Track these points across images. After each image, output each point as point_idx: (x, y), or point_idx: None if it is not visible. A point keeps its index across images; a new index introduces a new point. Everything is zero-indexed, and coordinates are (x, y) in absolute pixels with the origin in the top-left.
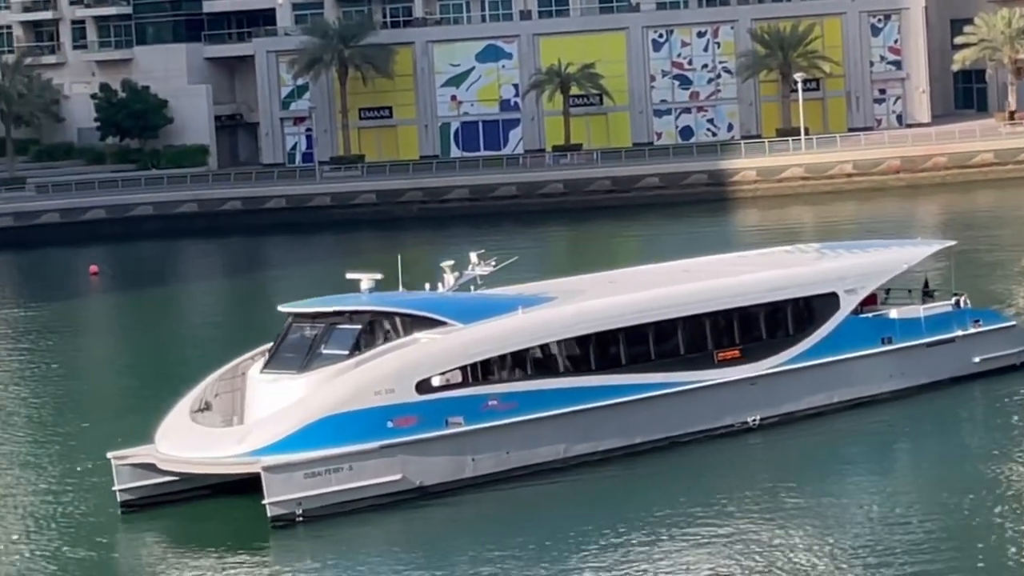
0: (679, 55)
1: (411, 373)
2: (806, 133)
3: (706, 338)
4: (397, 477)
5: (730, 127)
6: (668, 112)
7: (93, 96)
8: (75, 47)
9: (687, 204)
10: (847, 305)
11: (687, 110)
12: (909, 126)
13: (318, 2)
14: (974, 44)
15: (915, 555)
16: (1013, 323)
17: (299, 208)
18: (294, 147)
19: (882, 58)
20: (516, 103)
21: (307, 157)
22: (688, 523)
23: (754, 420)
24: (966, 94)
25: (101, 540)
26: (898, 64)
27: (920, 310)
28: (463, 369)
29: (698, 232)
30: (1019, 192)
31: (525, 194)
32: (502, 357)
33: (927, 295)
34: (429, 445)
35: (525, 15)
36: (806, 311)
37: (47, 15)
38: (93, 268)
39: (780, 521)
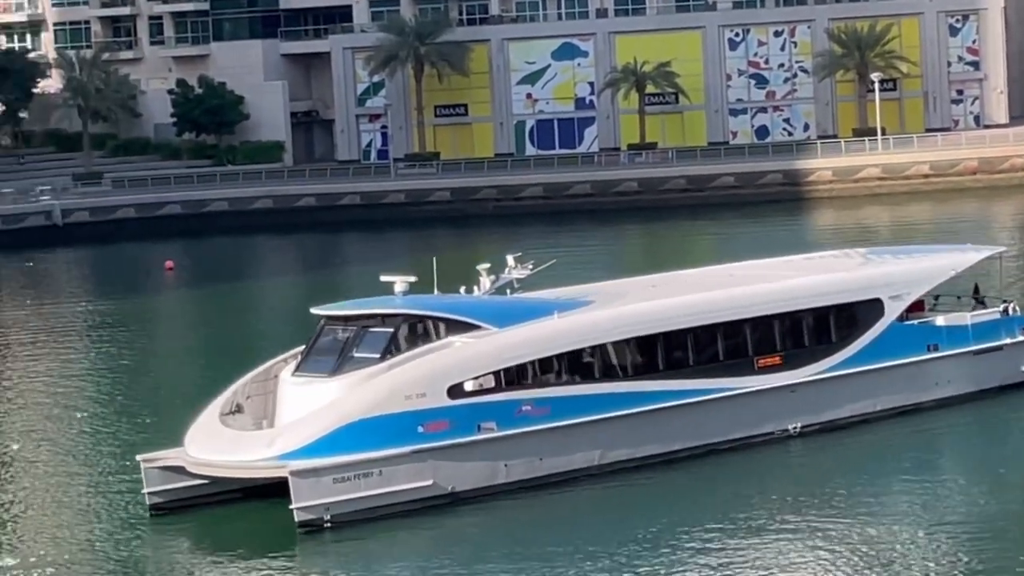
0: (755, 54)
1: (443, 377)
2: (882, 133)
3: (746, 344)
4: (428, 483)
5: (806, 127)
6: (744, 111)
7: (170, 92)
8: (152, 43)
9: (762, 204)
10: (892, 312)
11: (763, 109)
12: (986, 127)
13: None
14: None
15: (962, 566)
16: None
17: (373, 205)
18: (369, 144)
19: (960, 58)
20: (591, 101)
21: (382, 154)
22: (726, 532)
23: (795, 428)
24: None
25: (129, 543)
26: (976, 65)
27: (967, 317)
28: (496, 374)
29: (772, 232)
30: None
31: (599, 192)
32: (536, 362)
33: (978, 301)
34: (461, 450)
35: (601, 13)
36: (850, 317)
37: (125, 11)
38: (168, 263)
39: (822, 531)
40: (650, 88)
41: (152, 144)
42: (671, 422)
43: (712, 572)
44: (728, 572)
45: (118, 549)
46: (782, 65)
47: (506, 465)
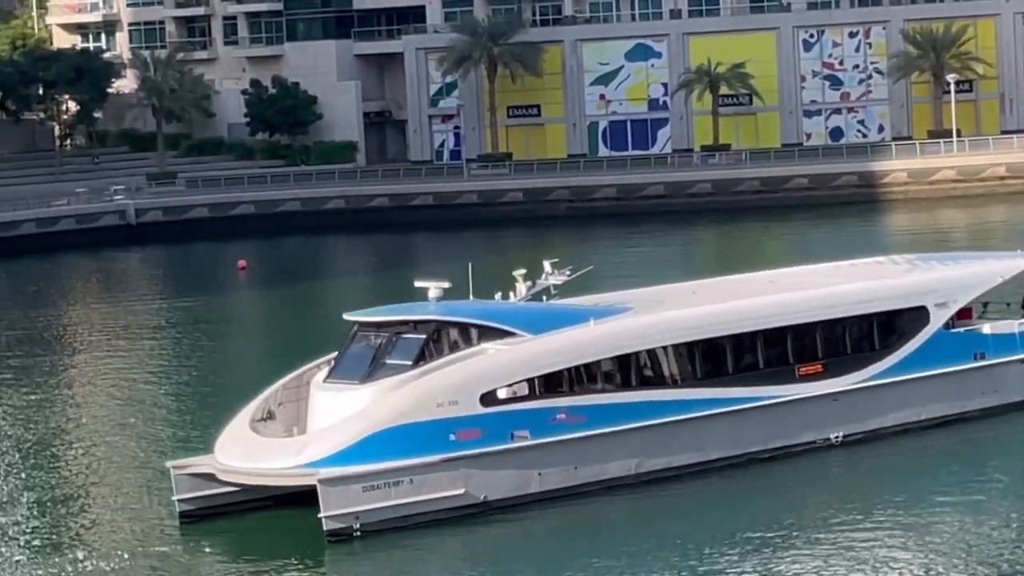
0: (830, 55)
1: (476, 385)
2: (958, 135)
3: (787, 352)
4: (460, 491)
5: (881, 128)
6: (818, 113)
7: (243, 92)
8: (226, 43)
9: (836, 206)
10: (937, 319)
11: (837, 111)
12: None
13: (468, 0)
14: None
15: None
16: None
17: (446, 206)
18: (442, 144)
19: None
20: (665, 102)
21: (455, 155)
22: (765, 544)
23: (837, 437)
24: None
25: (156, 551)
26: None
27: (1015, 325)
28: (530, 381)
29: (846, 234)
30: None
31: (673, 194)
32: (571, 369)
33: None
34: (493, 459)
35: (675, 14)
36: (893, 325)
37: (199, 11)
38: (241, 263)
39: (864, 544)
40: (724, 89)
41: (226, 144)
42: (709, 431)
43: None
44: None
45: (146, 557)
46: (857, 66)
47: (540, 474)
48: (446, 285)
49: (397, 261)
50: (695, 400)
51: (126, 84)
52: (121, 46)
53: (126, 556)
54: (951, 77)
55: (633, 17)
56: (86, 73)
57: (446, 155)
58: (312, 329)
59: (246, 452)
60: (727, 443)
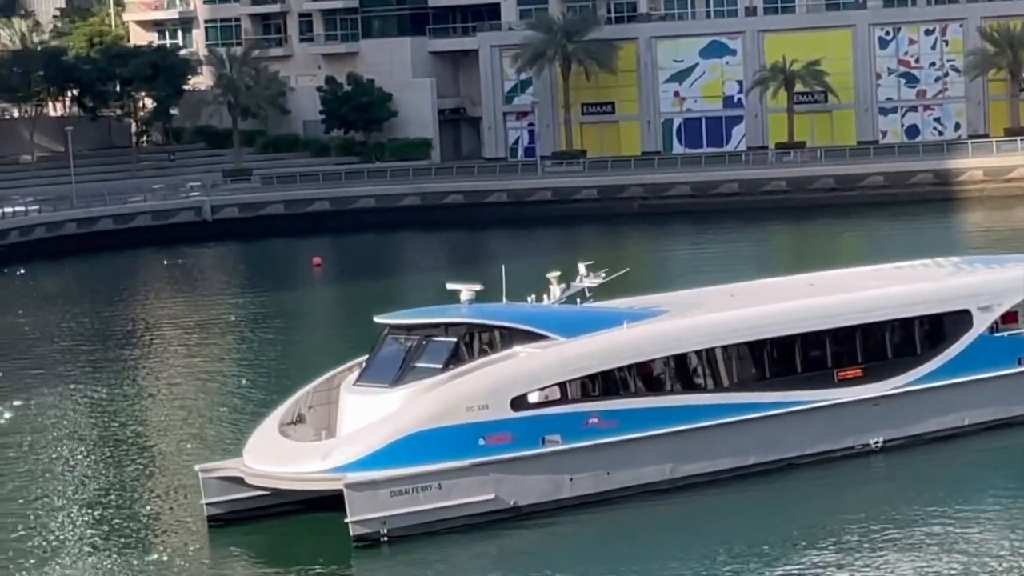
0: (906, 53)
1: (506, 389)
2: None
3: (825, 356)
4: (489, 496)
5: (957, 126)
6: (894, 110)
7: (319, 89)
8: (302, 40)
9: (912, 204)
10: (981, 323)
11: (913, 108)
12: None
13: None
14: None
15: None
16: None
17: (520, 203)
18: (516, 141)
19: None
20: (739, 100)
21: (529, 152)
22: (802, 551)
23: (877, 442)
24: None
25: (183, 555)
26: None
27: None
28: (562, 385)
29: (921, 232)
30: None
31: (747, 191)
32: (604, 373)
33: None
34: (524, 464)
35: (750, 11)
36: (935, 329)
37: (275, 8)
38: (316, 259)
39: (904, 552)
40: (799, 87)
41: (301, 141)
42: (745, 436)
43: None
44: None
45: (173, 561)
46: (933, 64)
47: (571, 479)
48: (478, 287)
49: (470, 258)
50: (731, 404)
51: (202, 81)
52: (197, 43)
53: (151, 561)
54: None
55: (708, 14)
56: (163, 70)
57: (520, 152)
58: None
59: (274, 456)
60: (764, 448)
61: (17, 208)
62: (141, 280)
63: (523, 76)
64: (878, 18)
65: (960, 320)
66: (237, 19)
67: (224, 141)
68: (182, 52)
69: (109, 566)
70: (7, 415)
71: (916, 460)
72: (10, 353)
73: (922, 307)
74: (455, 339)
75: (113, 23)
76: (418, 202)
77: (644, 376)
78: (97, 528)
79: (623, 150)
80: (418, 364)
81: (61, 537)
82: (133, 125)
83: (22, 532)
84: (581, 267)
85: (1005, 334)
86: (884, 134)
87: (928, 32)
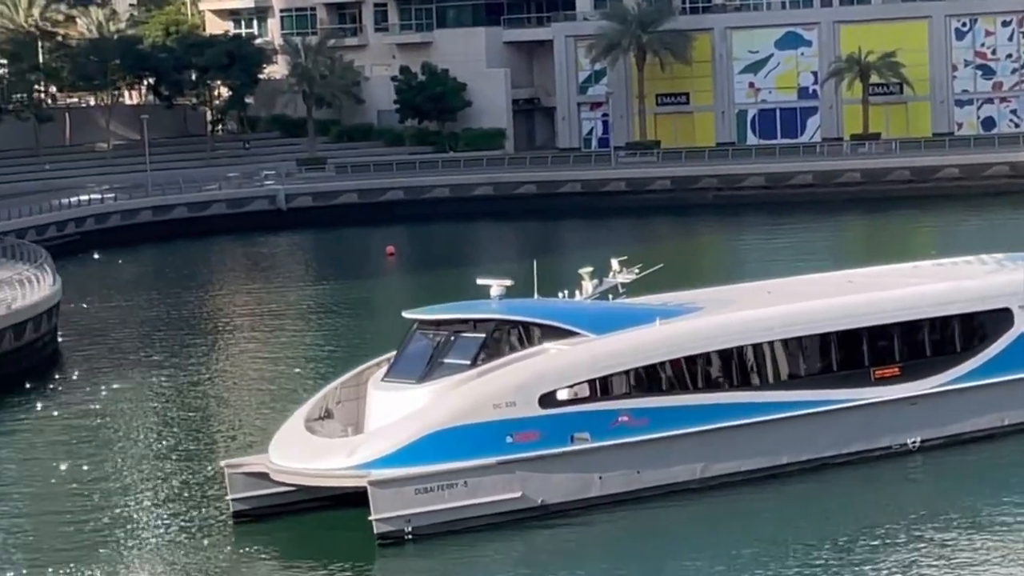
0: (982, 44)
1: (534, 386)
2: None
3: (862, 354)
4: (516, 495)
5: None
6: (970, 102)
7: (393, 78)
8: (376, 30)
9: (987, 196)
10: (1022, 321)
11: (989, 100)
12: None
13: None
14: None
15: None
16: None
17: (594, 193)
18: (590, 132)
19: None
20: (814, 91)
21: (603, 142)
22: (836, 552)
23: (914, 442)
24: None
25: (207, 551)
26: None
27: None
28: (591, 383)
29: (996, 225)
30: None
31: (821, 183)
32: (635, 371)
33: None
34: (552, 462)
35: (826, 2)
36: (975, 327)
37: None
38: (390, 249)
39: (939, 552)
40: (874, 78)
41: (375, 130)
42: (779, 435)
43: None
44: None
45: (196, 557)
46: (1010, 56)
47: (600, 478)
48: (508, 283)
49: (543, 249)
50: (764, 403)
51: (277, 70)
52: (273, 32)
53: (174, 558)
54: None
55: (783, 5)
56: (238, 59)
57: (594, 143)
58: None
59: (299, 452)
60: (798, 447)
61: (93, 196)
62: (214, 268)
63: (597, 66)
64: (954, 9)
65: (1000, 319)
66: (312, 8)
67: (299, 130)
68: (258, 41)
69: (135, 560)
70: (63, 400)
71: (954, 460)
72: (80, 340)
73: (961, 305)
74: (483, 335)
75: (189, 12)
76: (491, 192)
77: (676, 374)
78: (124, 520)
79: (697, 141)
80: (446, 360)
81: (87, 527)
82: (208, 114)
83: (48, 522)
84: (614, 263)
85: None
86: (960, 126)
87: (1005, 23)
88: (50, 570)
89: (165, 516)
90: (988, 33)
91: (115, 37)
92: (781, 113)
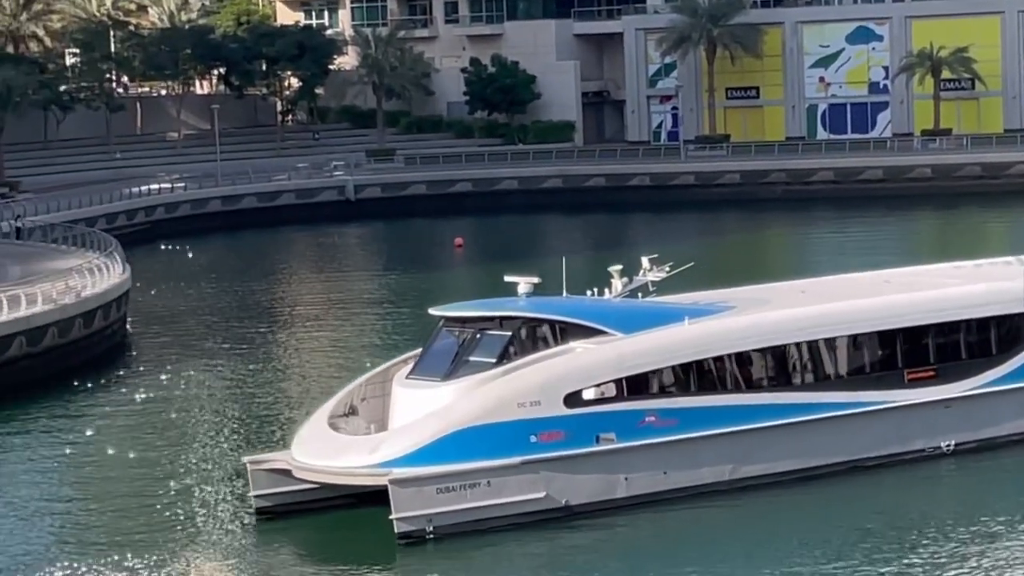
0: None
1: (560, 385)
2: None
3: (895, 356)
4: (540, 495)
5: None
6: None
7: (463, 70)
8: (447, 21)
9: None
10: None
11: None
12: None
13: None
14: None
15: None
16: None
17: (662, 187)
18: (660, 125)
19: None
20: (885, 86)
21: (672, 135)
22: (867, 556)
23: (948, 445)
24: None
25: (228, 548)
26: None
27: None
28: (618, 382)
29: None
30: None
31: (891, 178)
32: (663, 370)
33: None
34: (577, 462)
35: None
36: (1012, 329)
37: None
38: (458, 240)
39: (972, 557)
40: (946, 73)
41: (444, 122)
42: (809, 436)
43: None
44: None
45: (217, 554)
46: None
47: (626, 478)
48: (536, 280)
49: (612, 242)
50: (794, 404)
51: (347, 61)
52: (343, 23)
53: (195, 553)
54: None
55: (855, 0)
56: (308, 50)
57: (663, 136)
58: None
59: (321, 449)
60: (829, 450)
61: (163, 185)
62: (282, 258)
63: (667, 60)
64: None
65: None
66: (383, 0)
67: (368, 121)
68: (328, 32)
69: (158, 553)
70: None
71: (989, 464)
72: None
73: (998, 307)
74: (510, 333)
75: (260, 2)
76: (560, 184)
77: (704, 374)
78: (150, 513)
79: (767, 135)
80: (471, 358)
81: (111, 522)
82: (278, 104)
83: (73, 516)
84: (644, 261)
85: None
86: None
87: None
88: (67, 561)
89: (194, 508)
90: None
91: (187, 27)
92: (851, 108)
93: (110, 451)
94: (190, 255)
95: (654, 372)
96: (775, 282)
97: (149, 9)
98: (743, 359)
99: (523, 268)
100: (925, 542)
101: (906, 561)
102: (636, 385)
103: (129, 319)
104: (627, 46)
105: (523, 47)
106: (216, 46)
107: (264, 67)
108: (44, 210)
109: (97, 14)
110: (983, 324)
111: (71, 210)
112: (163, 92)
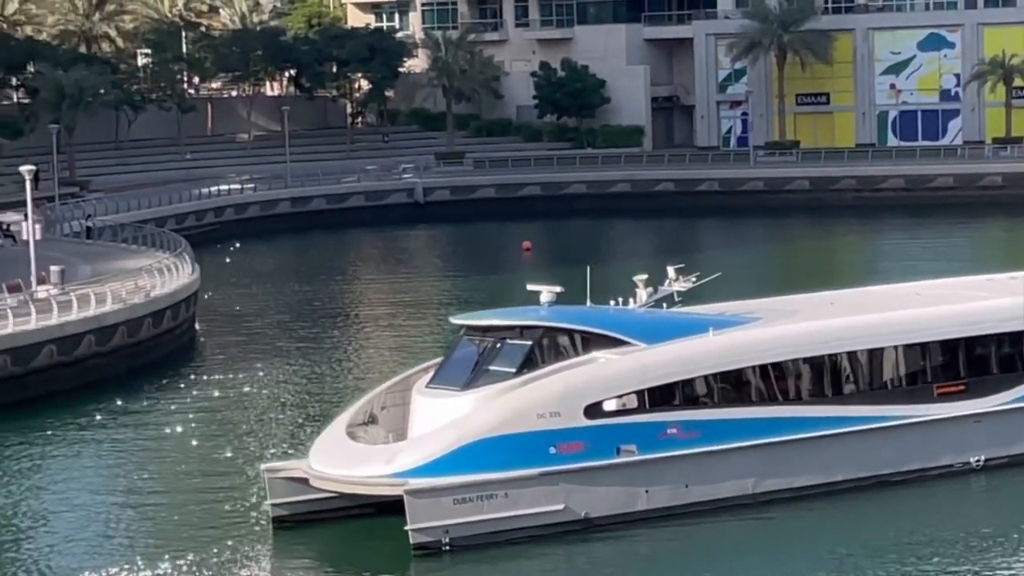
0: None
1: (580, 395)
2: None
3: (924, 369)
4: (559, 507)
5: None
6: None
7: (533, 74)
8: (517, 25)
9: None
10: None
11: None
12: None
13: None
14: None
15: None
16: None
17: (731, 192)
18: (729, 131)
19: None
20: (956, 93)
21: (742, 141)
22: (893, 574)
23: (977, 461)
24: None
25: (243, 558)
26: None
27: None
28: (640, 393)
29: None
30: None
31: (962, 186)
32: (685, 382)
33: None
34: (597, 474)
35: (970, 4)
36: None
37: None
38: (526, 244)
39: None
40: (1018, 81)
41: (513, 125)
42: (834, 450)
43: None
44: None
45: (230, 564)
46: None
47: (647, 491)
48: (558, 289)
49: (679, 247)
50: (819, 418)
51: (417, 64)
52: (414, 26)
53: (210, 564)
54: None
55: (927, 6)
56: (379, 52)
57: (733, 141)
58: None
59: (338, 458)
60: (854, 464)
61: (233, 186)
62: (350, 260)
63: (737, 65)
64: None
65: None
66: (454, 3)
67: (437, 124)
68: (399, 35)
69: (173, 561)
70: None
71: (1020, 480)
72: (217, 329)
73: None
74: (530, 342)
75: (331, 4)
76: (628, 189)
77: (728, 386)
78: (166, 520)
79: (837, 141)
80: (491, 367)
81: (129, 528)
82: (348, 106)
83: (89, 523)
84: (670, 270)
85: None
86: None
87: None
88: (90, 565)
89: (213, 514)
90: None
91: (258, 28)
92: (922, 115)
93: (165, 452)
94: (258, 254)
95: (677, 384)
96: (841, 289)
97: (221, 10)
98: (767, 371)
99: (590, 272)
100: (952, 560)
101: None
102: (658, 396)
103: (197, 319)
104: (697, 51)
105: (593, 51)
106: (287, 48)
107: (334, 69)
108: (114, 210)
109: (169, 15)
110: (1015, 338)
111: (141, 210)
112: (234, 93)
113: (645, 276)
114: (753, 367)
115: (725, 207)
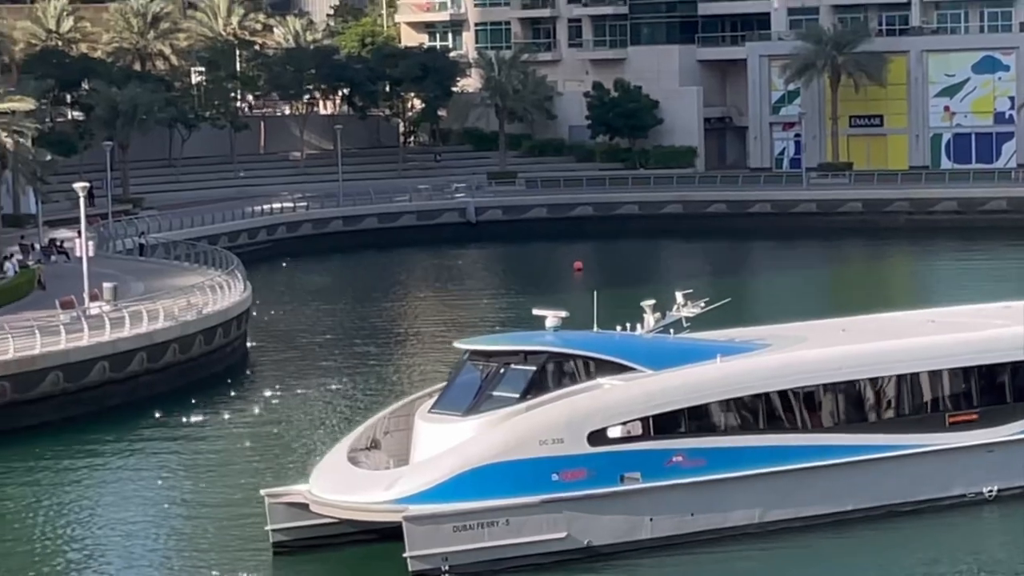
0: None
1: (584, 422)
2: None
3: (936, 398)
4: (561, 535)
5: None
6: None
7: (586, 94)
8: (570, 45)
9: None
10: None
11: None
12: None
13: (814, 8)
14: None
15: None
16: None
17: (784, 214)
18: (782, 152)
19: None
20: (1011, 116)
21: (795, 163)
22: None
23: (990, 491)
24: None
25: None
26: None
27: None
28: (644, 420)
29: None
30: None
31: (1016, 209)
32: (691, 409)
33: None
34: (600, 502)
35: None
36: None
37: (545, 13)
38: (577, 264)
39: None
40: None
41: (566, 145)
42: (843, 480)
43: None
44: None
45: None
46: None
47: (651, 519)
48: (564, 314)
49: (732, 269)
50: (828, 447)
51: (470, 83)
52: (467, 46)
53: None
54: None
55: (981, 29)
56: (432, 71)
57: (786, 163)
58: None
59: (339, 483)
60: (864, 494)
61: (285, 204)
62: (402, 279)
63: (791, 87)
64: None
65: None
66: (507, 23)
67: (490, 143)
68: (452, 54)
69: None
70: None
71: None
72: (268, 346)
73: None
74: (534, 368)
75: (385, 24)
76: (680, 210)
77: (735, 413)
78: (170, 540)
79: (890, 163)
80: (495, 393)
81: (129, 549)
82: (401, 125)
83: (89, 543)
84: (678, 296)
85: None
86: None
87: None
88: None
89: (215, 539)
90: None
91: (311, 47)
92: (976, 138)
93: (205, 470)
94: (310, 272)
95: (683, 410)
96: (890, 312)
97: (274, 29)
98: (775, 399)
99: (643, 295)
100: None
101: None
102: (663, 424)
103: (249, 337)
104: (751, 72)
105: (646, 72)
106: (340, 67)
107: (387, 88)
108: (167, 227)
109: (223, 33)
110: None
111: (194, 227)
112: (287, 112)
113: (653, 301)
114: (760, 394)
115: (777, 229)
